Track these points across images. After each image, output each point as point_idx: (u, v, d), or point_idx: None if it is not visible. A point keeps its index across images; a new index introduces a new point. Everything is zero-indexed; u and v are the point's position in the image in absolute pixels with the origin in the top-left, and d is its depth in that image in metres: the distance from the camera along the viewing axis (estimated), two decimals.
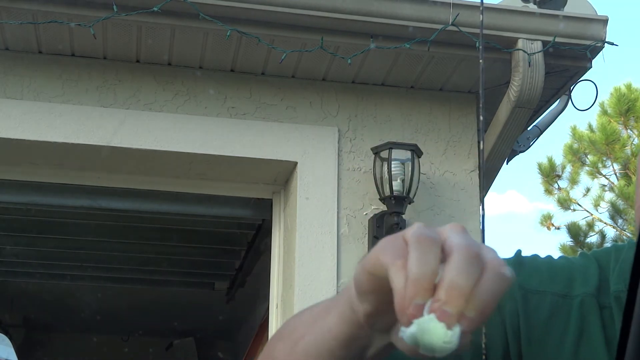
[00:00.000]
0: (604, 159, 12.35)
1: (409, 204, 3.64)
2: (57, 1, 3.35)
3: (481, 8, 3.52)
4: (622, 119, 12.01)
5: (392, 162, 3.60)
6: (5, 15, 3.38)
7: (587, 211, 12.47)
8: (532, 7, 3.73)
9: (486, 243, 0.81)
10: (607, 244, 11.77)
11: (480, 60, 3.35)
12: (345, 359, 0.74)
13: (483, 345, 0.80)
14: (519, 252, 0.97)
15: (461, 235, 0.65)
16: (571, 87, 3.99)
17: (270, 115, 3.78)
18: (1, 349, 3.66)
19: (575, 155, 12.56)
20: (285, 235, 3.90)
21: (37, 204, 4.53)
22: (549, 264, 0.95)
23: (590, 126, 12.44)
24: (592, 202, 12.48)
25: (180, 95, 3.74)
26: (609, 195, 12.37)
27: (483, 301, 0.61)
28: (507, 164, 4.11)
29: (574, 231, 12.10)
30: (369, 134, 3.83)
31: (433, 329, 0.60)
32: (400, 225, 3.60)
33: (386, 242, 0.66)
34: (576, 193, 12.64)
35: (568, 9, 3.78)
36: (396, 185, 3.59)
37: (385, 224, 3.63)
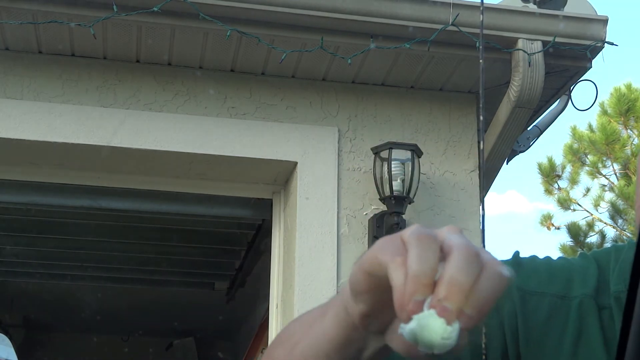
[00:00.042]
0: (604, 159, 12.35)
1: (409, 204, 3.65)
2: (57, 1, 3.35)
3: (481, 8, 3.52)
4: (622, 119, 12.01)
5: (392, 162, 3.60)
6: (5, 15, 3.39)
7: (587, 211, 12.48)
8: (532, 7, 3.73)
9: (486, 243, 0.81)
10: (607, 244, 11.78)
11: (480, 60, 3.37)
12: None
13: (483, 345, 0.80)
14: (517, 253, 0.97)
15: (459, 236, 0.65)
16: (571, 87, 3.99)
17: (270, 115, 3.78)
18: (1, 349, 3.66)
19: (575, 155, 12.57)
20: (285, 235, 3.90)
21: (37, 204, 4.53)
22: (547, 265, 0.95)
23: (590, 126, 12.44)
24: (592, 202, 12.49)
25: (180, 95, 3.74)
26: (609, 195, 12.37)
27: (482, 299, 0.61)
28: (507, 164, 4.12)
29: (574, 231, 12.10)
30: (369, 134, 3.83)
31: (432, 324, 0.60)
32: (400, 225, 3.60)
33: (384, 242, 0.66)
34: (576, 193, 12.66)
35: (568, 9, 3.78)
36: (396, 185, 3.59)
37: (385, 224, 3.63)
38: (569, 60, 3.71)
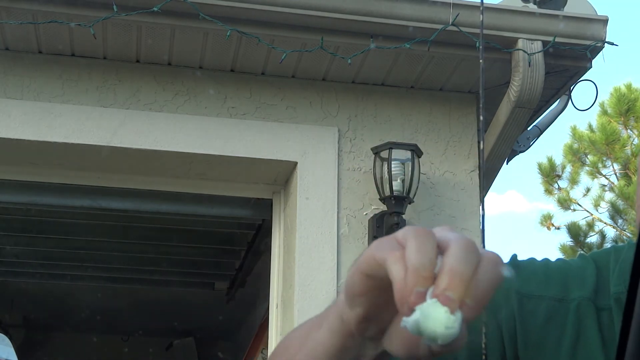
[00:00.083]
0: (604, 159, 12.35)
1: (409, 204, 3.65)
2: (57, 1, 3.35)
3: (481, 8, 3.52)
4: (622, 119, 12.01)
5: (392, 162, 3.60)
6: (5, 15, 3.39)
7: (587, 211, 12.48)
8: (532, 7, 3.73)
9: (486, 243, 0.81)
10: (607, 244, 11.78)
11: (480, 60, 3.37)
12: None
13: (483, 345, 0.80)
14: (514, 256, 0.97)
15: (454, 232, 0.66)
16: (571, 87, 3.99)
17: (270, 115, 3.78)
18: (1, 349, 3.66)
19: (575, 155, 12.57)
20: (285, 235, 3.90)
21: (37, 204, 4.53)
22: (545, 268, 0.94)
23: (590, 126, 12.44)
24: (592, 202, 12.49)
25: (180, 95, 3.74)
26: (609, 195, 12.37)
27: (481, 289, 0.62)
28: (507, 164, 4.12)
29: (574, 231, 12.10)
30: (369, 134, 3.83)
31: (436, 314, 0.60)
32: (400, 225, 3.60)
33: (378, 242, 0.67)
34: (576, 193, 12.66)
35: (568, 9, 3.78)
36: (396, 185, 3.59)
37: (385, 224, 3.63)
38: (569, 60, 3.71)
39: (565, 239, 12.22)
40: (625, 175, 12.03)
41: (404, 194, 3.59)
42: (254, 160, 3.74)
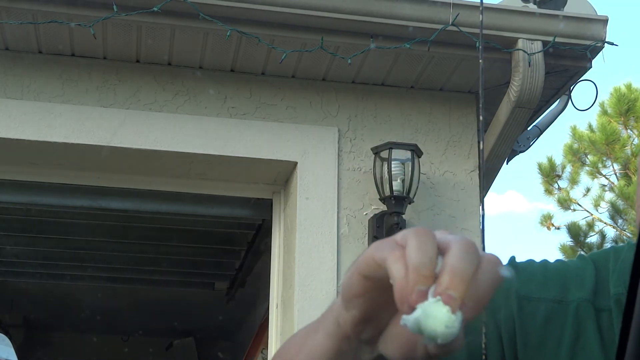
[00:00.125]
0: (604, 159, 12.35)
1: (409, 204, 3.65)
2: (57, 1, 3.35)
3: (481, 8, 3.52)
4: (622, 119, 12.01)
5: (392, 162, 3.60)
6: (5, 15, 3.39)
7: (587, 211, 12.48)
8: (532, 7, 3.73)
9: (486, 243, 0.81)
10: (607, 244, 11.78)
11: (480, 60, 3.37)
12: None
13: (483, 346, 0.80)
14: (512, 258, 0.97)
15: (455, 235, 0.66)
16: (571, 87, 3.99)
17: (270, 115, 3.78)
18: (1, 349, 3.65)
19: (575, 155, 12.57)
20: (285, 235, 3.90)
21: (37, 204, 4.53)
22: (543, 269, 0.94)
23: (590, 126, 12.44)
24: (592, 202, 12.49)
25: (180, 95, 3.74)
26: (609, 195, 12.38)
27: (481, 289, 0.62)
28: (507, 164, 4.12)
29: (574, 231, 12.10)
30: (369, 134, 3.83)
31: (437, 313, 0.60)
32: (400, 225, 3.60)
33: (377, 244, 0.67)
34: (576, 193, 12.66)
35: (568, 9, 3.78)
36: (396, 185, 3.59)
37: (385, 224, 3.63)
38: (569, 60, 3.71)
39: (565, 239, 12.23)
40: (625, 175, 12.03)
41: (404, 194, 3.59)
42: (254, 160, 3.74)
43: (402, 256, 0.63)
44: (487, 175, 4.07)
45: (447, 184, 3.85)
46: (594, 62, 3.71)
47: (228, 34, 3.40)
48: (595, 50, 3.66)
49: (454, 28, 3.48)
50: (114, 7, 3.29)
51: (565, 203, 12.51)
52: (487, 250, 0.68)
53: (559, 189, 12.67)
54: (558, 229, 12.42)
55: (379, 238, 3.64)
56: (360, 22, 3.50)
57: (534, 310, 0.89)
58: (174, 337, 7.81)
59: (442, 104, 3.96)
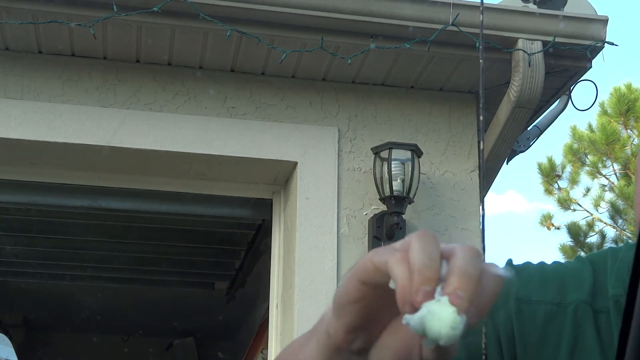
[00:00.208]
0: (604, 159, 12.35)
1: (409, 204, 3.65)
2: (57, 1, 3.35)
3: (481, 8, 3.53)
4: (622, 119, 12.01)
5: (392, 162, 3.60)
6: (5, 15, 3.39)
7: (587, 211, 12.48)
8: (532, 7, 3.73)
9: (486, 243, 0.81)
10: (607, 244, 11.78)
11: (480, 60, 3.36)
12: None
13: (483, 346, 0.80)
14: (510, 261, 0.96)
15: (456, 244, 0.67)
16: (571, 87, 3.99)
17: (270, 115, 3.78)
18: (1, 349, 3.65)
19: (575, 155, 12.57)
20: (285, 235, 3.90)
21: (37, 204, 4.53)
22: (541, 272, 0.94)
23: (590, 126, 12.45)
24: (592, 202, 12.49)
25: (180, 95, 3.74)
26: (609, 195, 12.38)
27: (486, 294, 0.62)
28: (507, 164, 4.12)
29: (574, 231, 12.10)
30: (369, 134, 3.83)
31: (443, 313, 0.60)
32: (400, 225, 3.60)
33: (374, 251, 0.66)
34: (576, 193, 12.66)
35: (568, 9, 3.78)
36: (396, 185, 3.59)
37: (385, 224, 3.63)
38: (569, 60, 3.71)
39: (565, 239, 12.23)
40: (625, 175, 12.03)
41: (404, 194, 3.59)
42: (254, 160, 3.74)
43: (404, 258, 0.63)
44: (487, 175, 4.07)
45: (447, 184, 3.85)
46: (594, 62, 3.71)
47: (228, 34, 3.40)
48: (595, 50, 3.66)
49: (454, 28, 3.48)
50: (114, 7, 3.29)
51: (565, 203, 12.52)
52: (487, 250, 0.68)
53: (559, 189, 12.67)
54: (558, 229, 12.42)
55: (379, 238, 3.65)
56: (360, 22, 3.50)
57: (533, 313, 0.89)
58: (174, 337, 7.81)
59: (442, 104, 3.96)
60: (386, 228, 3.62)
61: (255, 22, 3.46)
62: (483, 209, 0.86)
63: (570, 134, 12.63)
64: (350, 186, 3.76)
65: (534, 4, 3.75)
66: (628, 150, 12.06)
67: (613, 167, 12.38)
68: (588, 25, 3.65)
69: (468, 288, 0.61)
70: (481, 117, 4.16)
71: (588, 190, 12.59)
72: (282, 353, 0.86)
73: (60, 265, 5.88)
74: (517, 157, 4.20)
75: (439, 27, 3.50)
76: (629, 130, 12.18)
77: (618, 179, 12.22)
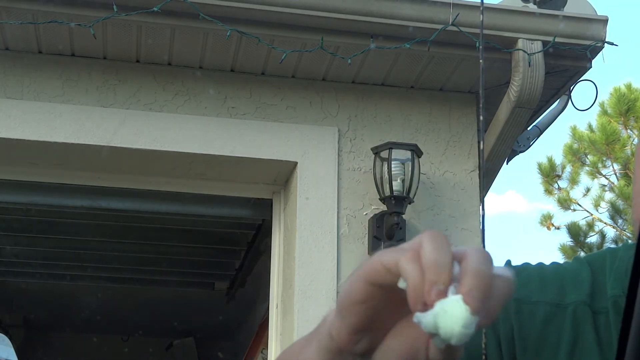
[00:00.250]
0: (604, 159, 12.35)
1: (409, 204, 3.65)
2: (57, 1, 3.35)
3: (481, 8, 3.52)
4: (622, 119, 12.01)
5: (392, 162, 3.60)
6: (5, 15, 3.39)
7: (587, 211, 12.49)
8: (532, 7, 3.73)
9: (486, 243, 0.81)
10: (607, 244, 11.79)
11: (480, 60, 3.37)
12: None
13: (483, 345, 0.80)
14: (508, 262, 0.97)
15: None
16: (571, 87, 3.99)
17: (270, 115, 3.78)
18: (1, 349, 3.65)
19: (575, 155, 12.57)
20: (285, 235, 3.90)
21: (37, 204, 4.53)
22: (540, 272, 0.94)
23: (590, 126, 12.45)
24: (592, 202, 12.50)
25: (180, 95, 3.74)
26: (609, 195, 12.38)
27: (496, 297, 0.63)
28: (507, 164, 4.12)
29: (574, 231, 12.10)
30: (369, 134, 3.83)
31: (456, 311, 0.60)
32: (400, 225, 3.60)
33: (382, 252, 0.66)
34: (576, 193, 12.66)
35: (568, 9, 3.78)
36: (396, 185, 3.59)
37: (385, 224, 3.63)
38: (569, 60, 3.71)
39: (565, 239, 12.24)
40: (625, 175, 12.03)
41: (404, 194, 3.59)
42: (254, 160, 3.74)
43: (415, 257, 0.63)
44: (487, 175, 4.07)
45: (447, 184, 3.85)
46: (594, 62, 3.71)
47: (228, 34, 3.40)
48: (595, 50, 3.66)
49: (454, 28, 3.48)
50: (114, 7, 3.29)
51: (565, 203, 12.52)
52: (487, 250, 0.69)
53: (559, 189, 12.67)
54: (558, 229, 12.43)
55: (379, 238, 3.65)
56: (360, 22, 3.50)
57: (532, 314, 0.89)
58: (174, 337, 7.81)
59: (442, 104, 3.96)
60: (386, 228, 3.62)
61: (255, 22, 3.46)
62: (483, 209, 0.86)
63: (570, 134, 12.63)
64: (350, 186, 3.76)
65: (534, 4, 3.75)
66: (628, 150, 12.06)
67: (613, 167, 12.38)
68: (588, 25, 3.65)
69: (482, 289, 0.61)
70: (481, 117, 4.16)
71: (588, 190, 12.60)
72: (282, 355, 0.86)
73: (60, 265, 5.88)
74: (517, 157, 4.21)
75: (439, 27, 3.50)
76: (629, 130, 12.18)
77: (618, 179, 12.22)
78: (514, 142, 3.87)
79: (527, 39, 3.59)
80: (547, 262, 0.98)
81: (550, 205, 14.73)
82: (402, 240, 3.61)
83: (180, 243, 5.41)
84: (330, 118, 3.84)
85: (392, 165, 3.60)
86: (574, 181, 12.61)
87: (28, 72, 3.64)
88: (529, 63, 3.54)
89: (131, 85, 3.71)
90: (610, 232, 12.14)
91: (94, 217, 4.91)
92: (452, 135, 3.92)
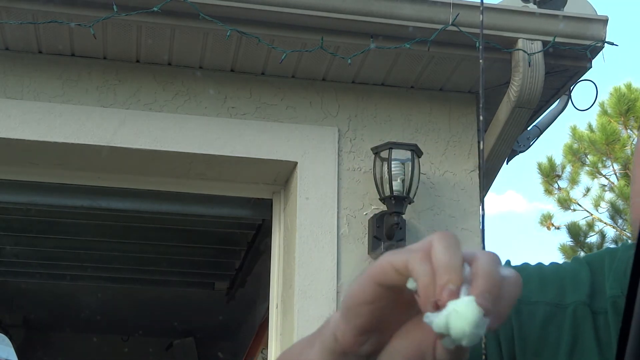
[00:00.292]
0: (604, 159, 12.35)
1: (409, 204, 3.65)
2: (57, 1, 3.35)
3: (481, 8, 3.52)
4: (622, 119, 12.01)
5: (392, 162, 3.60)
6: (5, 15, 3.39)
7: (587, 211, 12.49)
8: (532, 7, 3.73)
9: (486, 243, 0.81)
10: (607, 244, 11.79)
11: (480, 60, 3.37)
12: None
13: (483, 346, 0.80)
14: (508, 262, 0.96)
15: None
16: (571, 87, 3.99)
17: (270, 115, 3.78)
18: (1, 349, 3.65)
19: (575, 155, 12.57)
20: (285, 235, 3.90)
21: (37, 204, 4.53)
22: (539, 273, 0.94)
23: (590, 126, 12.45)
24: (592, 202, 12.50)
25: (180, 95, 3.74)
26: (609, 195, 12.38)
27: (506, 299, 0.63)
28: (507, 164, 4.12)
29: (574, 231, 12.10)
30: (369, 134, 3.83)
31: (469, 313, 0.60)
32: (400, 225, 3.60)
33: (390, 253, 0.66)
34: (576, 193, 12.66)
35: (568, 9, 3.78)
36: (396, 185, 3.59)
37: (385, 224, 3.63)
38: (569, 60, 3.71)
39: (565, 239, 12.24)
40: (625, 175, 12.03)
41: (404, 194, 3.59)
42: (254, 160, 3.74)
43: (426, 258, 0.63)
44: (487, 175, 4.07)
45: (447, 184, 3.85)
46: (594, 62, 3.71)
47: (228, 34, 3.40)
48: (595, 50, 3.66)
49: (454, 28, 3.48)
50: (114, 7, 3.29)
51: (565, 203, 12.52)
52: (487, 250, 0.69)
53: (559, 189, 12.67)
54: (558, 229, 12.43)
55: (379, 238, 3.65)
56: (360, 22, 3.50)
57: (532, 314, 0.89)
58: (174, 337, 7.81)
59: (442, 104, 3.96)
60: (386, 228, 3.62)
61: (255, 22, 3.47)
62: (483, 209, 0.86)
63: (570, 134, 12.63)
64: (350, 186, 3.76)
65: (534, 4, 3.75)
66: (628, 150, 12.06)
67: (613, 167, 12.38)
68: (588, 25, 3.65)
69: (494, 291, 0.61)
70: (481, 117, 4.16)
71: (588, 190, 12.60)
72: (282, 355, 0.85)
73: (60, 265, 5.88)
74: (517, 157, 4.21)
75: (439, 27, 3.50)
76: (629, 130, 12.18)
77: (618, 179, 12.22)
78: (514, 142, 3.87)
79: (527, 39, 3.59)
80: (547, 262, 0.98)
81: (550, 205, 14.74)
82: (402, 240, 3.61)
83: (180, 243, 5.41)
84: (330, 118, 3.84)
85: (392, 165, 3.60)
86: (574, 181, 12.62)
87: (28, 72, 3.64)
88: (529, 63, 3.54)
89: (131, 85, 3.71)
90: (610, 232, 12.15)
91: (94, 217, 4.91)
92: (452, 135, 3.92)
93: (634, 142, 12.14)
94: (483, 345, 0.81)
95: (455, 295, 0.61)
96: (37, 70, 3.65)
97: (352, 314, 0.67)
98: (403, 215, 3.62)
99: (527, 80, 3.56)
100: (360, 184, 3.76)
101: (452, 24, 3.48)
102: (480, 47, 3.63)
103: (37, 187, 4.20)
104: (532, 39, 3.59)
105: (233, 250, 5.58)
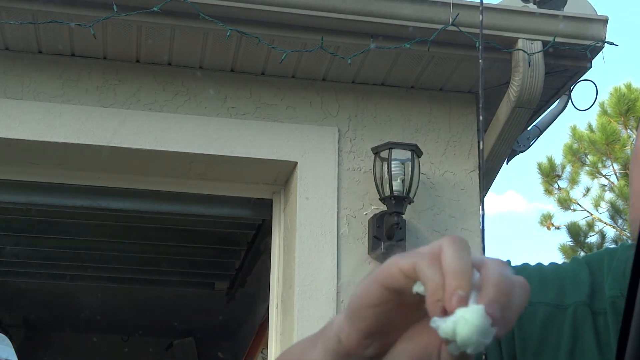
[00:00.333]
0: (604, 159, 12.35)
1: (409, 204, 3.65)
2: (57, 1, 3.35)
3: (481, 8, 3.52)
4: (622, 119, 12.01)
5: (392, 162, 3.60)
6: (5, 15, 3.39)
7: (587, 211, 12.49)
8: (532, 7, 3.73)
9: (486, 243, 0.81)
10: (607, 244, 11.79)
11: (480, 60, 3.36)
12: None
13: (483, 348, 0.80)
14: (508, 262, 0.96)
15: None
16: (571, 87, 3.99)
17: (270, 115, 3.78)
18: (1, 349, 3.65)
19: (575, 155, 12.57)
20: (285, 235, 3.90)
21: (37, 204, 4.53)
22: (539, 273, 0.94)
23: (590, 126, 12.45)
24: (592, 202, 12.50)
25: (180, 95, 3.74)
26: (609, 195, 12.38)
27: (513, 309, 0.63)
28: (507, 164, 4.12)
29: (574, 231, 12.10)
30: (369, 134, 3.83)
31: (478, 321, 0.60)
32: (400, 225, 3.60)
33: (398, 256, 0.65)
34: (576, 193, 12.66)
35: (568, 9, 3.78)
36: (396, 185, 3.59)
37: (385, 224, 3.63)
38: (569, 60, 3.71)
39: (565, 239, 12.24)
40: (625, 175, 12.03)
41: (404, 194, 3.59)
42: (254, 160, 3.74)
43: (435, 262, 0.62)
44: (487, 175, 4.07)
45: (447, 184, 3.85)
46: (594, 62, 3.71)
47: (228, 34, 3.40)
48: (595, 50, 3.66)
49: (454, 28, 3.48)
50: (114, 7, 3.30)
51: (565, 203, 12.52)
52: (487, 250, 0.69)
53: (559, 189, 12.67)
54: (558, 229, 12.43)
55: (379, 238, 3.65)
56: (360, 22, 3.50)
57: (532, 314, 0.89)
58: (174, 337, 7.81)
59: (442, 104, 3.96)
60: (386, 228, 3.62)
61: (255, 22, 3.47)
62: (483, 209, 0.86)
63: (570, 134, 12.63)
64: (350, 186, 3.76)
65: (534, 4, 3.75)
66: (628, 150, 12.06)
67: (613, 167, 12.38)
68: (588, 25, 3.65)
69: (503, 300, 0.61)
70: (481, 117, 4.15)
71: (588, 190, 12.60)
72: (282, 356, 0.85)
73: (60, 265, 5.88)
74: (517, 157, 4.21)
75: (439, 27, 3.50)
76: (629, 130, 12.18)
77: (618, 179, 12.22)
78: (514, 142, 3.87)
79: (527, 39, 3.59)
80: (546, 263, 0.98)
81: (550, 205, 14.74)
82: (402, 240, 3.61)
83: (180, 243, 5.41)
84: (330, 118, 3.84)
85: (392, 165, 3.60)
86: (574, 181, 12.62)
87: (28, 72, 3.64)
88: (529, 63, 3.54)
89: (131, 85, 3.71)
90: (610, 232, 12.15)
91: (94, 217, 4.91)
92: (452, 135, 3.92)
93: (634, 142, 12.13)
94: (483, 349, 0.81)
95: (464, 301, 0.60)
96: (37, 70, 3.65)
97: (357, 316, 0.66)
98: (403, 215, 3.62)
99: (527, 80, 3.56)
100: (360, 184, 3.76)
101: (452, 24, 3.48)
102: (480, 47, 3.63)
103: (37, 187, 4.20)
104: (532, 39, 3.59)
105: (233, 250, 5.58)
